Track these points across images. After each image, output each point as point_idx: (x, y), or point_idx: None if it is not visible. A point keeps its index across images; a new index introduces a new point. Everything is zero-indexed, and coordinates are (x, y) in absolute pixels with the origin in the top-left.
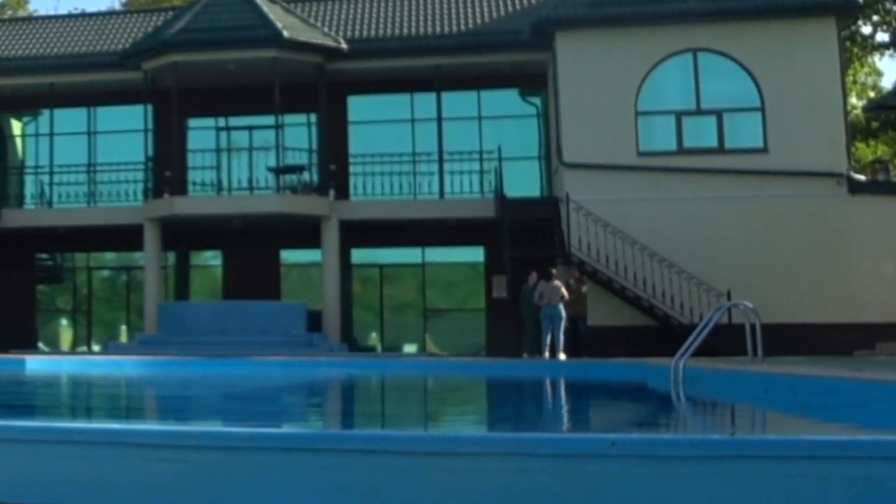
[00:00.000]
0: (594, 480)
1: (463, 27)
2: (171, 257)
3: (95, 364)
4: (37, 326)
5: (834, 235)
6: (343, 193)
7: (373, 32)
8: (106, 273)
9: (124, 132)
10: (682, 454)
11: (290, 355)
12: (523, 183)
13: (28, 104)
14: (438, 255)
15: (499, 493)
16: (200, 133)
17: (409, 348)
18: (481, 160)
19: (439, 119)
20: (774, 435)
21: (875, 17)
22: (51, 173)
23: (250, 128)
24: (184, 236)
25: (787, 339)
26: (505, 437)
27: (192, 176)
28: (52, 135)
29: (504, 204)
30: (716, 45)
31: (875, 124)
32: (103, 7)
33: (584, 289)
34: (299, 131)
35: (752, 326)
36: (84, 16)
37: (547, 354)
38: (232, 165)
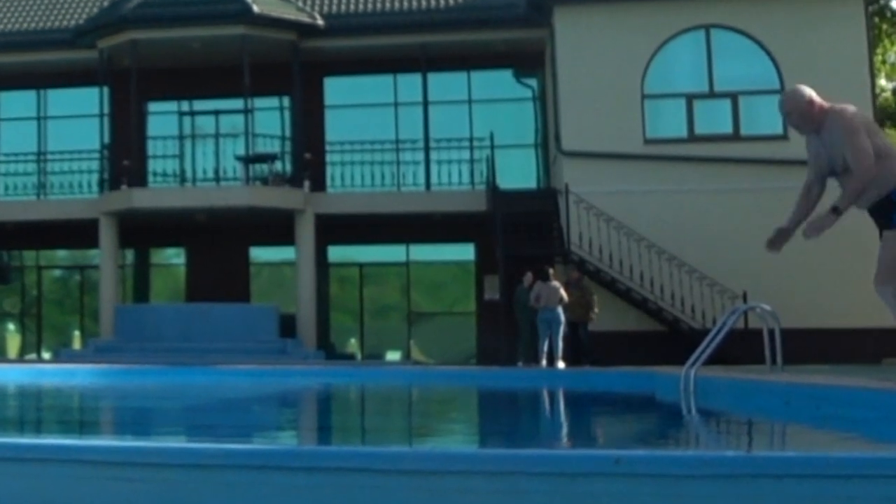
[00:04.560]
0: (596, 502)
1: (451, 1)
2: (130, 255)
3: (45, 373)
4: None
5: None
6: (319, 185)
7: (352, 7)
8: (57, 273)
9: (78, 117)
10: (693, 473)
11: (260, 363)
12: (518, 173)
13: None
14: (424, 252)
15: None
16: (162, 118)
17: (392, 356)
18: (472, 148)
19: (425, 103)
20: (795, 451)
21: None
22: None
23: (217, 112)
24: (143, 232)
25: (810, 346)
26: (498, 454)
27: (153, 165)
28: None
29: (497, 196)
30: (730, 22)
31: None
32: None
33: (593, 313)
34: (271, 116)
35: (771, 332)
36: None
37: (544, 362)
38: (196, 154)
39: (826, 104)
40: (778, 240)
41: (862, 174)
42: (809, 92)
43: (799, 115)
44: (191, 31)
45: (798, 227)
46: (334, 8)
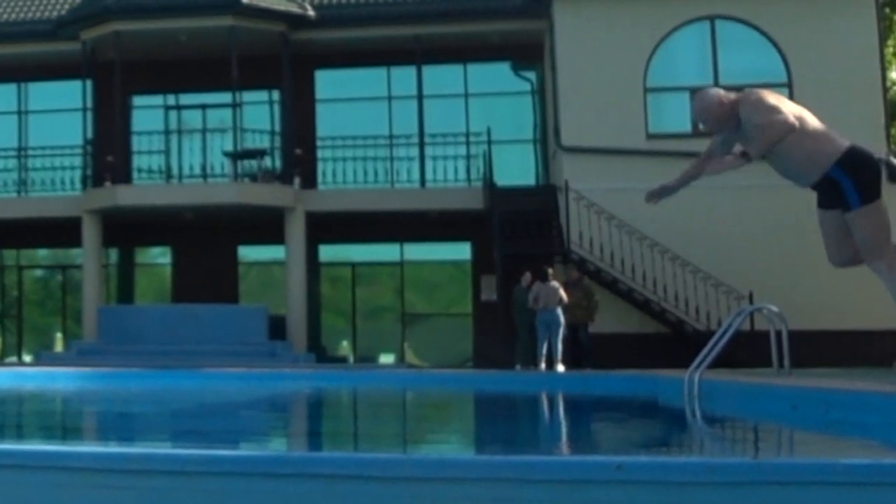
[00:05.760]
0: None
1: None
2: (114, 255)
3: (26, 377)
4: None
5: None
6: (310, 182)
7: None
8: (39, 273)
9: (60, 111)
10: (697, 480)
11: (249, 367)
12: (516, 169)
13: None
14: (419, 251)
15: None
16: (147, 112)
17: (386, 359)
18: (468, 143)
19: (420, 97)
20: (803, 458)
21: None
22: None
23: (204, 106)
24: (128, 230)
25: (818, 349)
26: (496, 461)
27: (138, 161)
28: None
29: (494, 194)
30: (736, 12)
31: None
32: None
33: (595, 314)
34: (260, 110)
35: (778, 334)
36: None
37: (543, 365)
38: (183, 149)
39: (733, 95)
40: (659, 193)
41: (771, 126)
42: (717, 92)
43: (714, 119)
44: (177, 22)
45: (682, 187)
46: None
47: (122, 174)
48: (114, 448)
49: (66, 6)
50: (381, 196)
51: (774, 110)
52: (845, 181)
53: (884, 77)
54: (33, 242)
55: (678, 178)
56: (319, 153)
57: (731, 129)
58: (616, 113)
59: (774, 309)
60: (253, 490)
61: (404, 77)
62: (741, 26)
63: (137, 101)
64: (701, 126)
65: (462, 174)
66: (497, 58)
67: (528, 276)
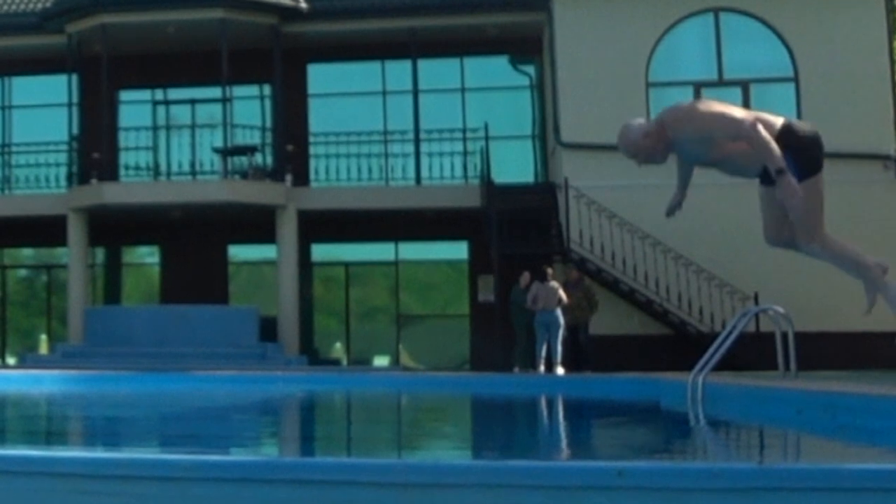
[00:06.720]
0: None
1: None
2: (100, 254)
3: (10, 379)
4: None
5: (879, 227)
6: (302, 179)
7: None
8: (23, 272)
9: (45, 107)
10: (701, 486)
11: (239, 369)
12: (514, 166)
13: None
14: (414, 251)
15: None
16: (134, 108)
17: (380, 361)
18: (465, 140)
19: (415, 91)
20: (809, 463)
21: None
22: None
23: (193, 101)
24: (114, 229)
25: (825, 351)
26: (493, 466)
27: (125, 158)
28: None
29: (491, 191)
30: (741, 4)
31: None
32: None
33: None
34: (250, 105)
35: (784, 335)
36: None
37: (542, 368)
38: (171, 146)
39: (652, 123)
40: (675, 206)
41: (746, 128)
42: (639, 124)
43: (644, 151)
44: (165, 14)
45: (686, 190)
46: None
47: (109, 171)
48: (100, 453)
49: None
50: (376, 194)
51: (727, 112)
52: (786, 157)
53: (892, 71)
54: (17, 241)
55: (678, 189)
56: (312, 149)
57: (666, 155)
58: (617, 108)
59: (780, 310)
60: (243, 496)
61: (399, 71)
62: (746, 19)
63: (124, 95)
64: (636, 162)
65: (458, 171)
66: (495, 51)
67: (526, 276)
